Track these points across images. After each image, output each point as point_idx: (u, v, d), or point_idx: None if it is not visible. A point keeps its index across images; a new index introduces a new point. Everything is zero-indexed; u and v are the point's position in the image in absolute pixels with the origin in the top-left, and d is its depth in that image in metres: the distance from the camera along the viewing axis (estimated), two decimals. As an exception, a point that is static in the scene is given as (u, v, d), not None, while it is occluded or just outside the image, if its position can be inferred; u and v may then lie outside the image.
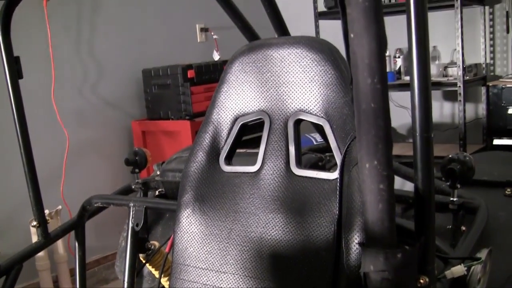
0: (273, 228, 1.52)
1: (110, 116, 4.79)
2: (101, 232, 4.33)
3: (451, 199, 1.89)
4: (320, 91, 1.57)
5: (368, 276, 1.13)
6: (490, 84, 5.12)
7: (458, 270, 1.53)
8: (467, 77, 4.97)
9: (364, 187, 1.10)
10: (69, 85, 4.47)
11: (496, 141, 5.05)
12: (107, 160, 4.72)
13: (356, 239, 1.35)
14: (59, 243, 4.15)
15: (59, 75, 4.24)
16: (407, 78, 5.25)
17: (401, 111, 5.26)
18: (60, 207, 4.01)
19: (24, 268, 4.09)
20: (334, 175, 1.51)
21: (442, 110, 5.72)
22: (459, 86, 4.86)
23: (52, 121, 4.20)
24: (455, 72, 4.99)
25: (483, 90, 5.31)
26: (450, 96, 5.55)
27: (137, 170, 2.44)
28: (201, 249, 1.64)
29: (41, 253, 4.03)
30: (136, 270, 2.19)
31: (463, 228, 1.88)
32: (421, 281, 1.36)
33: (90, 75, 4.63)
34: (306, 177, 1.55)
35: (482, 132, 5.35)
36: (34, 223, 2.17)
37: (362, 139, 1.07)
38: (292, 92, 1.61)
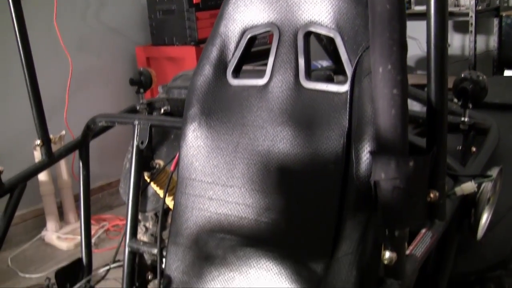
0: (281, 142, 1.48)
1: (114, 42, 4.72)
2: (105, 159, 4.31)
3: (462, 119, 1.86)
4: (332, 2, 1.51)
5: (378, 185, 1.10)
6: (504, 14, 5.02)
7: (469, 187, 1.50)
8: (479, 7, 4.87)
9: (376, 93, 1.06)
10: (72, 11, 4.39)
11: (507, 72, 4.98)
12: (111, 86, 4.67)
13: (366, 148, 1.32)
14: (63, 169, 4.15)
15: (61, 1, 4.15)
16: (418, 8, 5.16)
17: (411, 42, 5.18)
18: (63, 132, 3.99)
19: (28, 193, 4.10)
20: (344, 87, 1.47)
21: (452, 42, 5.63)
22: (471, 16, 4.77)
23: (55, 47, 4.14)
24: (467, 1, 4.89)
25: (496, 21, 5.22)
26: (461, 27, 5.46)
27: (141, 90, 2.40)
28: (207, 163, 1.61)
29: (45, 178, 4.04)
30: (141, 190, 2.17)
31: (474, 149, 1.85)
32: (431, 195, 1.33)
33: (94, 0, 4.55)
34: (315, 90, 1.51)
35: (492, 65, 5.27)
36: (38, 141, 2.14)
37: (376, 42, 1.03)
38: (303, 3, 1.56)
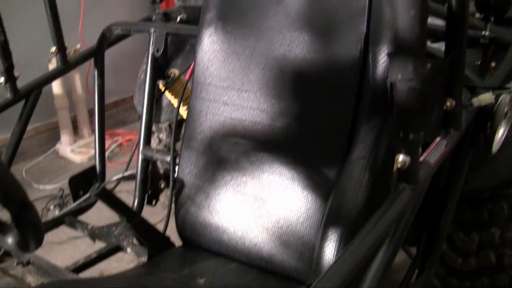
0: (298, 46, 1.47)
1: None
2: (119, 75, 4.30)
3: (483, 33, 1.83)
4: None
5: (394, 86, 1.09)
6: None
7: (486, 98, 1.49)
8: None
9: (396, -7, 1.04)
10: None
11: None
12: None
13: (384, 51, 1.31)
14: (77, 82, 4.15)
15: None
16: None
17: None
18: (78, 45, 3.96)
19: (42, 107, 4.11)
20: (363, -9, 1.44)
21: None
22: None
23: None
24: None
25: None
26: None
27: (157, 0, 2.37)
28: (223, 67, 1.61)
29: (59, 92, 4.05)
30: (155, 99, 2.17)
31: (493, 64, 1.83)
32: (447, 103, 1.33)
33: None
34: None
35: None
36: (53, 49, 2.13)
37: None
38: None
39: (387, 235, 1.17)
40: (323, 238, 1.25)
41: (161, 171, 2.21)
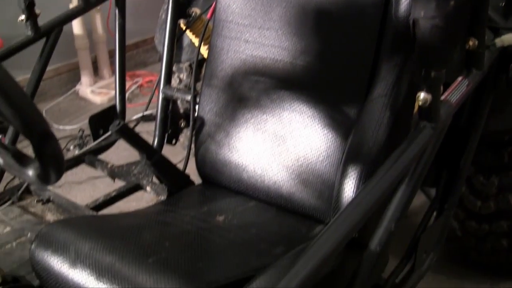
0: (320, -18, 1.45)
1: None
2: (140, 16, 4.27)
3: (508, -27, 1.78)
4: None
5: (417, 23, 1.08)
6: None
7: (509, 38, 1.47)
8: None
9: None
10: None
11: None
12: None
13: None
14: (98, 23, 4.13)
15: None
16: None
17: None
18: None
19: (63, 47, 4.08)
20: None
21: None
22: None
23: None
24: None
25: None
26: None
27: None
28: (245, 5, 1.59)
29: (80, 32, 4.05)
30: (176, 38, 2.16)
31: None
32: (470, 43, 1.31)
33: None
34: None
35: None
36: (73, -15, 2.12)
37: None
38: None
39: (407, 174, 1.17)
40: (342, 175, 1.25)
41: (181, 110, 2.21)
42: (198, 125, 1.70)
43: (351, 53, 1.42)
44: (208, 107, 1.67)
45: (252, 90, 1.57)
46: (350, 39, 1.42)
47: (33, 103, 0.89)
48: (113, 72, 4.39)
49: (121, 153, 3.24)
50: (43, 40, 2.04)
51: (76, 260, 1.25)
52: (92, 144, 2.24)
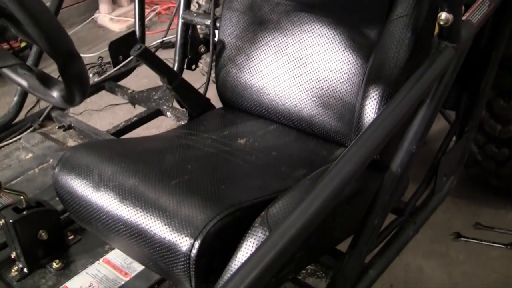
0: None
1: None
2: None
3: None
4: None
5: None
6: None
7: None
8: None
9: None
10: None
11: None
12: None
13: None
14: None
15: None
16: None
17: None
18: None
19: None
20: None
21: None
22: None
23: None
24: None
25: None
26: None
27: None
28: None
29: (97, -42, 4.01)
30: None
31: None
32: None
33: None
34: None
35: None
36: None
37: None
38: None
39: (428, 95, 1.16)
40: (364, 96, 1.24)
41: (201, 35, 2.20)
42: (219, 48, 1.69)
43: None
44: (228, 31, 1.66)
45: (272, 12, 1.56)
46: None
47: (59, 23, 0.88)
48: (131, 0, 4.38)
49: (140, 80, 3.25)
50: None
51: (99, 183, 1.26)
52: (112, 71, 2.24)
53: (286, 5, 1.53)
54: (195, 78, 2.28)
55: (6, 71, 1.11)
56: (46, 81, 1.06)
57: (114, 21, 4.11)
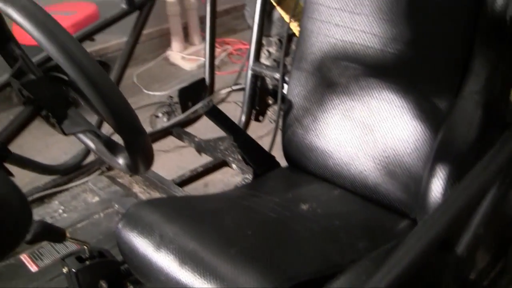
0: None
1: None
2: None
3: None
4: None
5: None
6: None
7: None
8: None
9: None
10: None
11: None
12: None
13: None
14: (190, -10, 4.17)
15: None
16: None
17: None
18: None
19: (155, 13, 4.14)
20: None
21: None
22: None
23: None
24: None
25: None
26: None
27: None
28: (336, -13, 1.56)
29: (172, -1, 4.09)
30: (266, 13, 2.15)
31: None
32: None
33: None
34: None
35: None
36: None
37: None
38: None
39: (499, 177, 1.13)
40: (430, 173, 1.21)
41: (270, 86, 2.21)
42: (286, 108, 1.69)
43: (443, 43, 1.37)
44: (296, 91, 1.66)
45: (341, 76, 1.55)
46: (443, 28, 1.36)
47: (125, 101, 0.90)
48: (203, 38, 4.44)
49: (211, 122, 3.28)
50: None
51: (160, 244, 1.27)
52: (180, 117, 2.26)
53: (355, 69, 1.52)
54: (263, 123, 2.28)
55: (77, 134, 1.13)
56: (112, 147, 1.08)
57: (185, 60, 4.17)
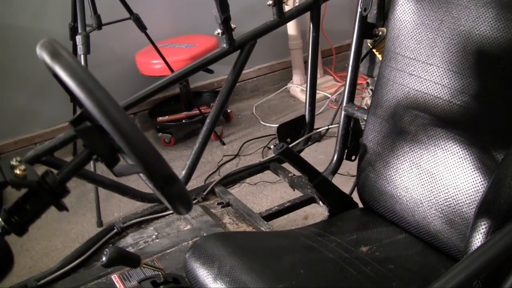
0: (483, 23, 1.42)
1: None
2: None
3: None
4: None
5: None
6: None
7: None
8: None
9: None
10: None
11: None
12: None
13: None
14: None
15: None
16: None
17: None
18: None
19: (278, 47, 4.28)
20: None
21: None
22: None
23: None
24: None
25: None
26: None
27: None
28: (411, 38, 1.60)
29: (294, 33, 4.20)
30: (362, 56, 2.20)
31: None
32: None
33: None
34: None
35: None
36: (270, 2, 2.21)
37: None
38: None
39: None
40: (473, 227, 1.23)
41: (363, 127, 2.25)
42: (361, 152, 1.74)
43: (505, 98, 1.38)
44: (371, 136, 1.71)
45: (411, 124, 1.58)
46: (506, 83, 1.38)
47: (157, 152, 0.98)
48: (325, 72, 4.52)
49: (318, 156, 3.36)
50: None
51: (217, 275, 1.36)
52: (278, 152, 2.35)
53: (424, 118, 1.55)
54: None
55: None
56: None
57: (304, 93, 4.25)
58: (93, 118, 0.97)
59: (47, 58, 0.97)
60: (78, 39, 3.07)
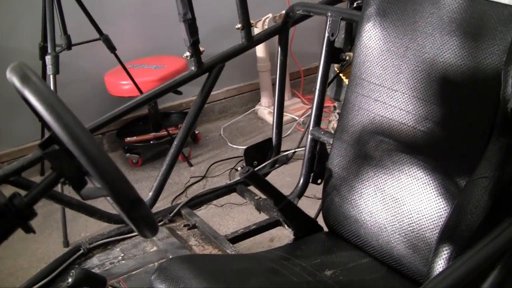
0: (447, 51, 1.45)
1: None
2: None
3: None
4: None
5: None
6: None
7: None
8: None
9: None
10: None
11: None
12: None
13: None
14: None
15: None
16: None
17: None
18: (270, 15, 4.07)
19: (245, 68, 4.29)
20: (520, 0, 1.38)
21: None
22: None
23: None
24: None
25: None
26: None
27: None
28: (377, 64, 1.62)
29: (262, 55, 4.22)
30: (329, 80, 2.22)
31: None
32: None
33: None
34: (487, 0, 1.43)
35: None
36: (239, 25, 2.22)
37: None
38: None
39: (500, 260, 1.15)
40: (435, 253, 1.25)
41: (329, 151, 2.27)
42: (327, 176, 1.76)
43: (469, 125, 1.40)
44: (337, 160, 1.73)
45: (376, 149, 1.60)
46: (469, 110, 1.40)
47: (123, 176, 0.98)
48: (293, 95, 4.55)
49: (285, 178, 3.37)
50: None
51: (183, 299, 1.36)
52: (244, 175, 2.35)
53: (389, 144, 1.57)
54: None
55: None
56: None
57: (271, 115, 4.27)
58: (61, 141, 0.98)
59: (17, 82, 0.98)
60: (48, 59, 3.06)
